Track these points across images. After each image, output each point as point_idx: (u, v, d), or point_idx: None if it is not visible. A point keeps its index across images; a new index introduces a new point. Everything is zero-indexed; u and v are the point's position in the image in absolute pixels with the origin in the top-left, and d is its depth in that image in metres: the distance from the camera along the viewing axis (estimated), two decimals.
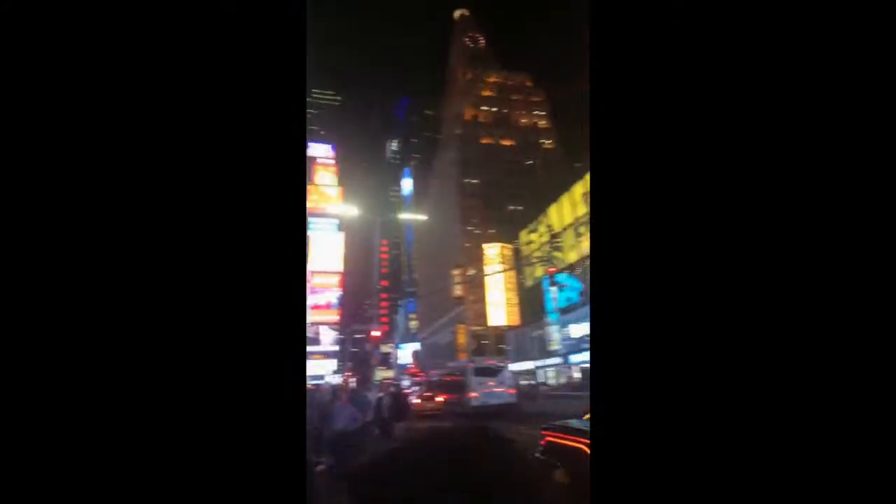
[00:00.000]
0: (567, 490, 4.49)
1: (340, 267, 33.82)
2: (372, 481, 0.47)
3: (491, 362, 22.55)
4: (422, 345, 56.42)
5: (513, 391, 19.10)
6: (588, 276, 32.28)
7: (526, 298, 42.86)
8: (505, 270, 46.46)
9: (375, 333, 26.65)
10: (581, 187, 33.68)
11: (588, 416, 5.00)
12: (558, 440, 4.84)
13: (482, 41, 79.44)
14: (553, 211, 38.02)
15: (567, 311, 32.62)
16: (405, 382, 27.82)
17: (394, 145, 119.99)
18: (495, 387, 18.40)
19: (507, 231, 48.71)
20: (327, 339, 32.01)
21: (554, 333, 34.08)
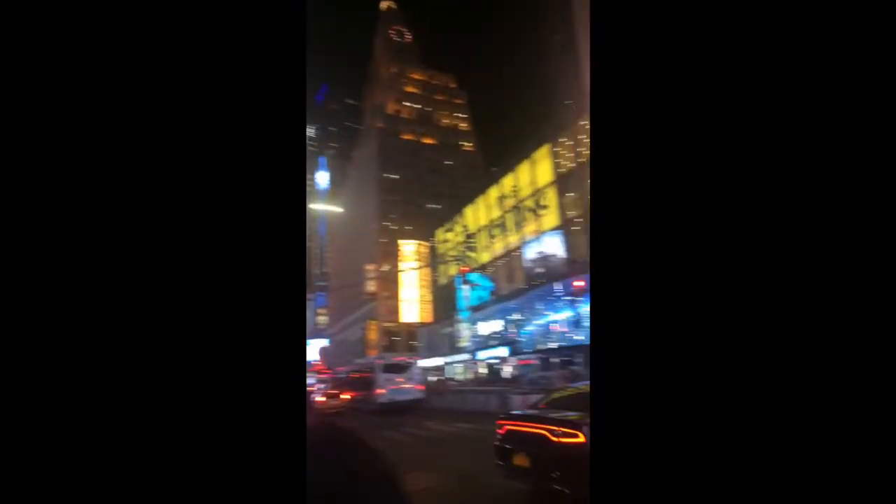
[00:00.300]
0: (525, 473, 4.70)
1: None
2: None
3: (400, 359, 22.65)
4: (330, 341, 55.11)
5: (421, 387, 19.34)
6: (497, 277, 33.71)
7: (439, 296, 43.63)
8: (420, 267, 46.92)
9: None
10: (496, 191, 35.00)
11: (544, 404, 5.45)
12: (517, 428, 5.05)
13: (408, 36, 79.38)
14: (469, 212, 39.11)
15: (477, 310, 33.72)
16: (310, 380, 27.08)
17: (310, 132, 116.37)
18: (403, 383, 18.49)
19: (424, 229, 49.24)
20: None
21: (464, 330, 35.05)
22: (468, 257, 36.38)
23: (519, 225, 32.20)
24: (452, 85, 72.24)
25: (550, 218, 29.39)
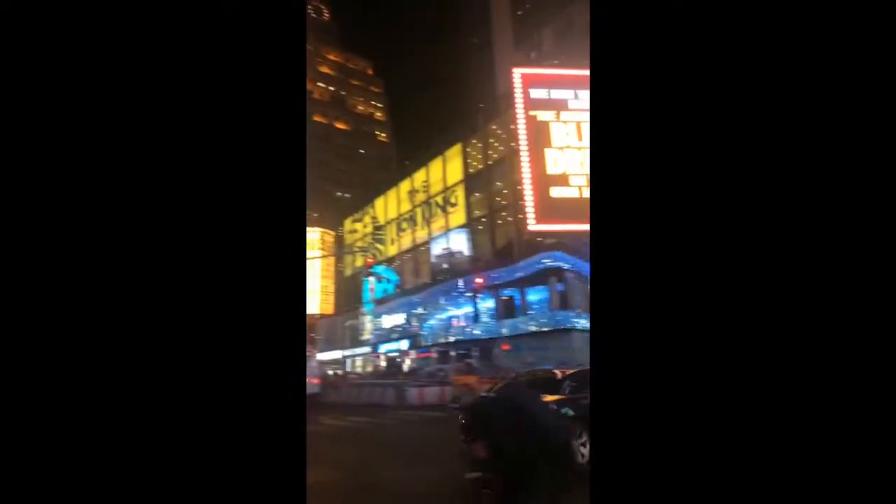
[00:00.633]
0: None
1: None
2: None
3: None
4: None
5: (317, 381, 18.78)
6: (404, 270, 33.80)
7: (343, 287, 42.55)
8: (324, 257, 45.30)
9: None
10: (408, 184, 35.00)
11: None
12: None
13: (326, 14, 75.90)
14: (379, 203, 38.62)
15: (382, 302, 33.52)
16: None
17: None
18: None
19: (332, 217, 47.62)
20: None
21: (367, 323, 34.63)
22: (376, 249, 35.96)
23: (428, 220, 32.54)
24: (370, 72, 70.58)
25: (458, 216, 30.10)
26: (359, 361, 35.84)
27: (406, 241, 34.57)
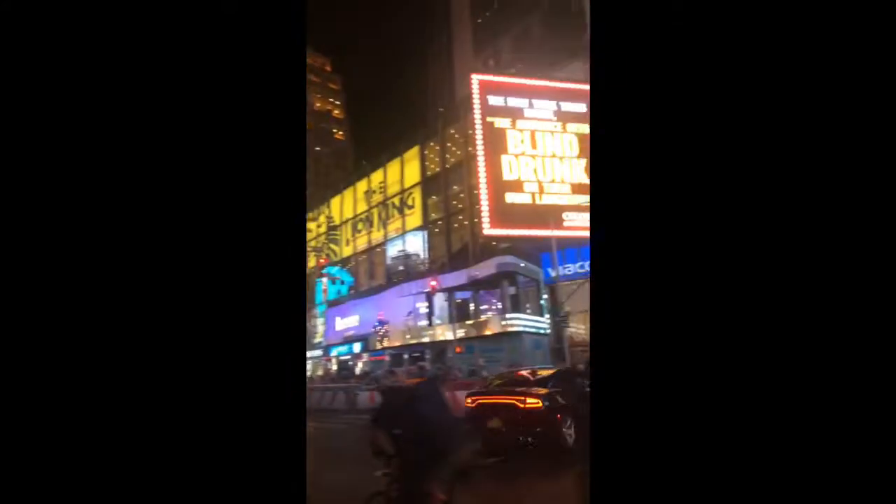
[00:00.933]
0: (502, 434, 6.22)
1: None
2: None
3: None
4: None
5: None
6: (359, 272, 33.29)
7: None
8: None
9: None
10: (365, 184, 34.55)
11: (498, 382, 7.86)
12: (486, 401, 6.94)
13: None
14: (335, 203, 37.86)
15: (334, 304, 32.84)
16: None
17: None
18: None
19: None
20: None
21: (319, 326, 33.81)
22: (330, 249, 35.21)
23: (384, 221, 32.26)
24: (328, 68, 69.14)
25: (415, 218, 30.05)
26: (309, 365, 34.91)
27: (361, 243, 34.10)
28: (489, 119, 23.43)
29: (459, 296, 25.33)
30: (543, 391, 6.61)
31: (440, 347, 23.97)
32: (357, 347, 30.09)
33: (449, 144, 29.15)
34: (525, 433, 6.32)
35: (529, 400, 6.47)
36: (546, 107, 24.19)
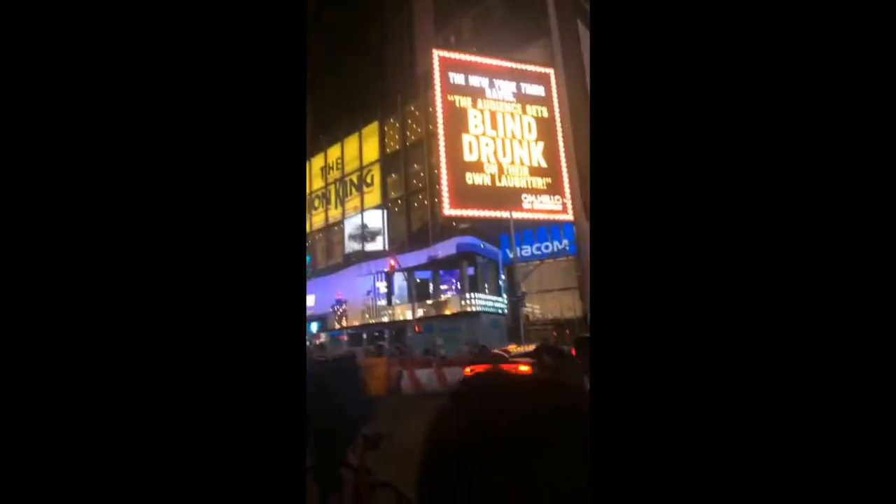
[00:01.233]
0: None
1: None
2: None
3: None
4: None
5: None
6: (316, 250, 32.69)
7: None
8: None
9: None
10: (322, 160, 33.68)
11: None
12: (481, 370, 8.70)
13: None
14: None
15: None
16: None
17: None
18: None
19: None
20: None
21: None
22: None
23: (342, 199, 31.67)
24: None
25: (373, 196, 29.67)
26: None
27: (318, 220, 33.39)
28: (450, 97, 23.24)
29: (419, 275, 25.44)
30: (529, 361, 8.51)
31: (399, 327, 24.11)
32: (314, 327, 29.75)
33: (409, 121, 28.77)
34: None
35: (521, 367, 8.26)
36: (506, 87, 24.22)
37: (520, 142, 23.56)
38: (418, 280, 25.46)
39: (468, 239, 22.82)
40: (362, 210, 29.77)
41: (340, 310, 27.13)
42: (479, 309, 22.20)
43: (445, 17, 29.51)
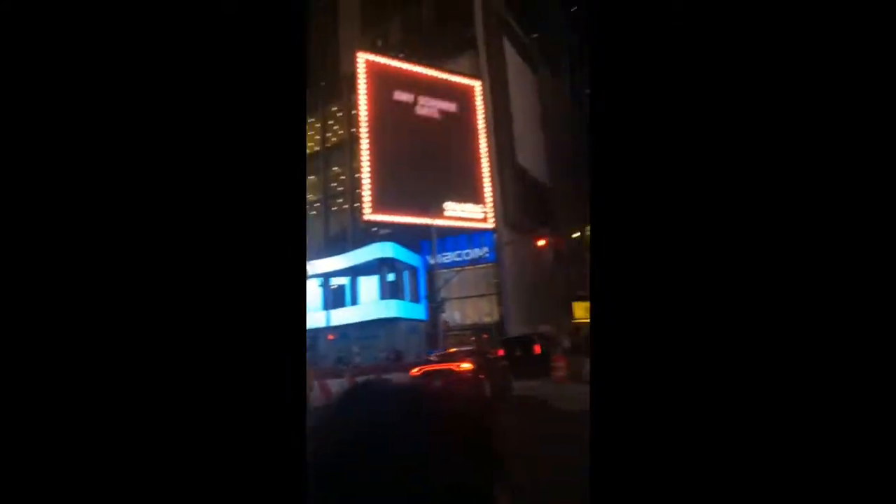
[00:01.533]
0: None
1: None
2: None
3: None
4: None
5: None
6: None
7: None
8: None
9: None
10: None
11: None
12: (430, 368, 10.48)
13: None
14: None
15: None
16: None
17: None
18: None
19: None
20: None
21: None
22: None
23: None
24: None
25: None
26: None
27: None
28: (374, 101, 23.04)
29: (336, 281, 24.76)
30: (469, 360, 10.38)
31: (312, 335, 23.23)
32: None
33: (331, 122, 28.05)
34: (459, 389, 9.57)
35: (463, 365, 10.09)
36: (432, 96, 24.53)
37: (443, 149, 23.97)
38: (335, 286, 24.77)
39: (388, 244, 22.69)
40: None
41: None
42: (397, 315, 22.11)
43: (373, 19, 29.32)
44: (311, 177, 27.95)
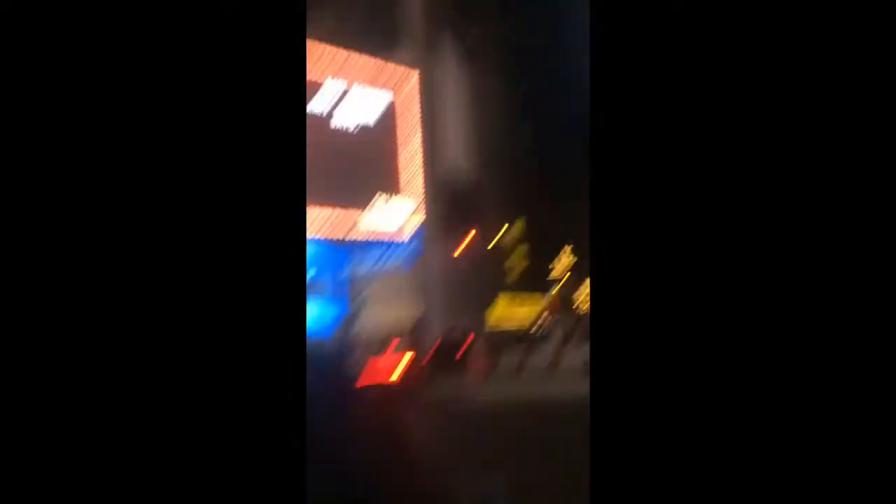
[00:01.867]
0: None
1: None
2: None
3: None
4: None
5: None
6: None
7: None
8: None
9: None
10: None
11: None
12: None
13: None
14: None
15: None
16: None
17: None
18: None
19: None
20: None
21: None
22: None
23: None
24: None
25: None
26: None
27: None
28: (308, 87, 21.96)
29: None
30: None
31: None
32: None
33: None
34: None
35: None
36: (364, 90, 23.83)
37: (370, 152, 23.38)
38: None
39: (309, 247, 21.67)
40: None
41: None
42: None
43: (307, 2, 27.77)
44: None
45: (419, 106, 24.67)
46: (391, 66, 24.36)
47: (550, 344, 12.17)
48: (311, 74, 22.44)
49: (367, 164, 22.22)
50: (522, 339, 13.48)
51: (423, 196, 23.50)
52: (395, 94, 23.98)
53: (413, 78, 24.82)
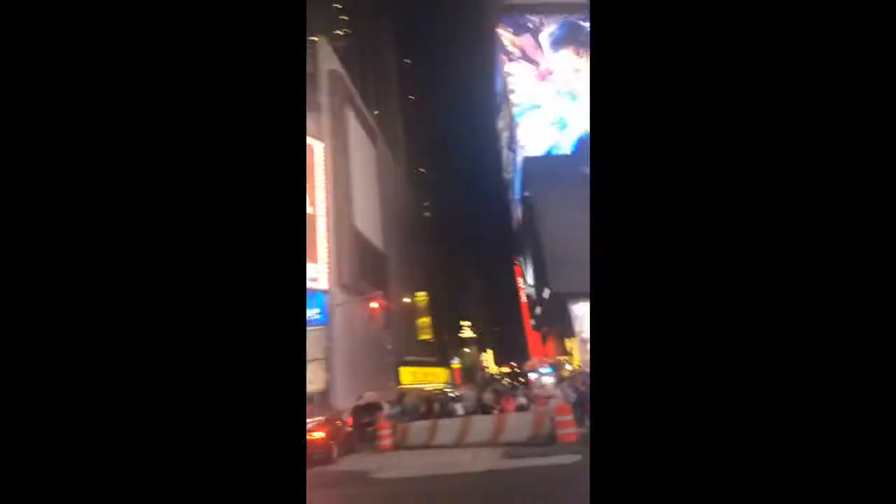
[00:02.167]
0: None
1: None
2: None
3: None
4: None
5: None
6: None
7: None
8: None
9: None
10: None
11: None
12: None
13: None
14: None
15: None
16: None
17: None
18: None
19: None
20: None
21: None
22: None
23: None
24: None
25: None
26: None
27: None
28: None
29: None
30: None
31: None
32: None
33: None
34: None
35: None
36: None
37: None
38: None
39: None
40: None
41: None
42: None
43: None
44: None
45: (324, 177, 24.93)
46: None
47: (455, 415, 12.01)
48: None
49: None
50: (429, 410, 13.15)
51: (327, 266, 23.06)
52: None
53: (317, 147, 25.23)
